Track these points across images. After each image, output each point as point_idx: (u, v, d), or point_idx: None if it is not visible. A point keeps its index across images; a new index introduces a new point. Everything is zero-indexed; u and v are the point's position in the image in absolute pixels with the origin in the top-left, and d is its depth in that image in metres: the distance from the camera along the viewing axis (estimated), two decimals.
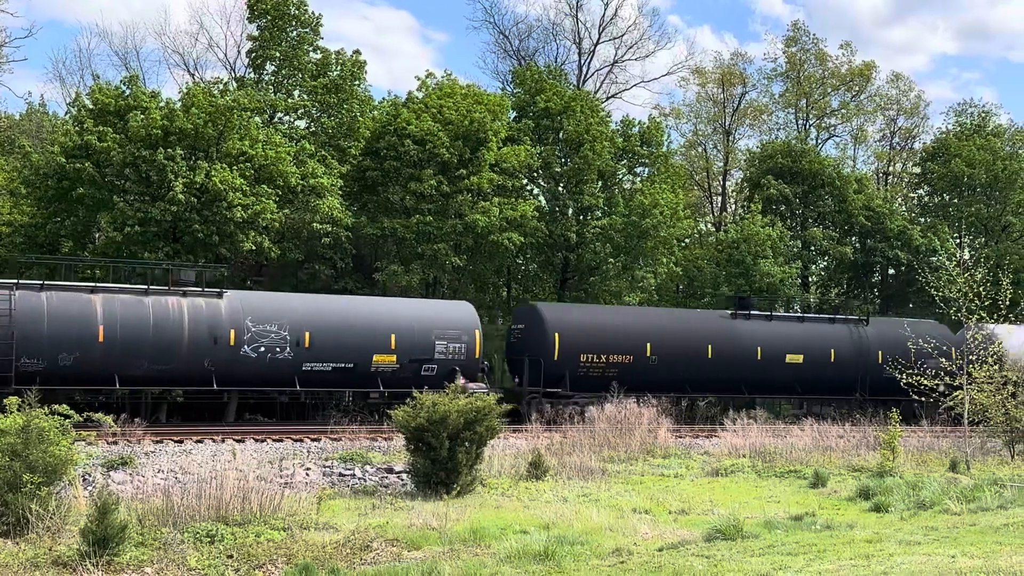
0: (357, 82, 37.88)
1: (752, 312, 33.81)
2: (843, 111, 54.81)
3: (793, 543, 11.74)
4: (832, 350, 33.92)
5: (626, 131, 41.64)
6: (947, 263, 34.82)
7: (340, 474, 19.54)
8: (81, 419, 14.62)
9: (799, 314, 37.73)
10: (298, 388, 26.98)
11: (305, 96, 37.27)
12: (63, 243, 32.01)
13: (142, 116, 30.40)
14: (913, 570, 9.54)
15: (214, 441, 22.71)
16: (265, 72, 37.93)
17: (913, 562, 9.93)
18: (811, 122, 54.47)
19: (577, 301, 39.04)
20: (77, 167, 30.15)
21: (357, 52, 38.10)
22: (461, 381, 24.11)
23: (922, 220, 49.11)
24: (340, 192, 34.24)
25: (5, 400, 14.31)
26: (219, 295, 26.32)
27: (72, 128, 31.77)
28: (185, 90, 33.04)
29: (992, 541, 11.27)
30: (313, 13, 37.60)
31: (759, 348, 32.59)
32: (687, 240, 45.94)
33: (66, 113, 35.37)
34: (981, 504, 15.39)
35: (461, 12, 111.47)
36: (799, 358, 33.23)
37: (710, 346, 31.87)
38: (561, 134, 39.46)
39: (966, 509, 15.02)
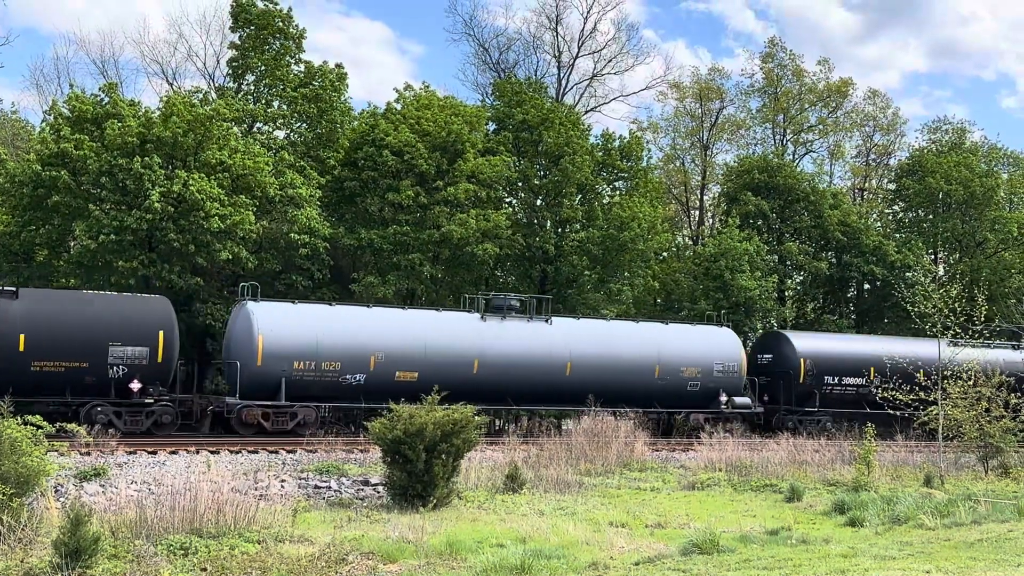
0: (337, 94, 37.81)
1: None
2: (820, 127, 55.22)
3: (769, 557, 11.76)
4: None
5: (606, 145, 41.76)
6: (923, 279, 35.14)
7: (316, 486, 19.44)
8: (54, 430, 14.47)
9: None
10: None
11: (285, 107, 37.18)
12: (38, 251, 31.76)
13: (119, 124, 30.24)
14: None
15: (188, 452, 22.56)
16: (245, 82, 37.82)
17: None
18: (788, 137, 54.82)
19: (556, 314, 39.07)
20: (53, 175, 29.93)
21: (339, 65, 38.11)
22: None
23: (897, 236, 49.46)
24: (318, 203, 34.15)
25: None
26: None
27: (48, 136, 31.55)
28: (165, 99, 32.88)
29: (966, 556, 11.33)
30: (297, 26, 37.56)
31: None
32: (665, 254, 46.07)
33: (42, 121, 35.14)
34: (955, 519, 15.47)
35: (437, 24, 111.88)
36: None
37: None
38: (540, 147, 39.52)
39: (940, 524, 15.10)
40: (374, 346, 27.86)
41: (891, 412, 31.49)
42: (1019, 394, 25.38)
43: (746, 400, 32.88)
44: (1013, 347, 36.54)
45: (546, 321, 31.27)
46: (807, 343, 34.99)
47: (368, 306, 29.76)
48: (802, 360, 33.96)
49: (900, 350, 33.02)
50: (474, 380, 28.49)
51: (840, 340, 36.98)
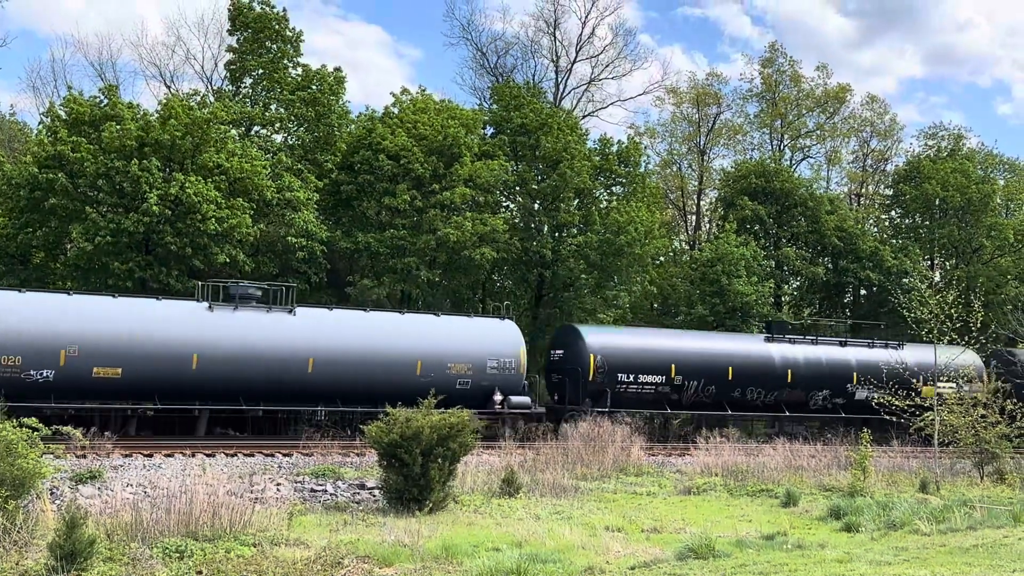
0: (335, 97, 37.84)
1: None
2: (818, 132, 55.32)
3: (764, 562, 11.76)
4: None
5: (604, 150, 41.81)
6: (919, 284, 35.19)
7: (312, 490, 19.42)
8: (50, 432, 14.46)
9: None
10: None
11: (283, 110, 37.20)
12: (35, 254, 31.74)
13: (117, 127, 30.24)
14: None
15: (184, 455, 22.54)
16: (243, 85, 37.84)
17: None
18: (786, 143, 54.91)
19: (551, 318, 39.17)
20: (50, 177, 29.94)
21: (338, 69, 38.16)
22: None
23: (894, 242, 49.53)
24: (315, 206, 34.15)
25: None
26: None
27: (45, 138, 31.55)
28: (163, 102, 32.89)
29: (962, 562, 11.33)
30: (294, 29, 37.60)
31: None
32: (662, 259, 46.11)
33: (39, 123, 35.14)
34: (951, 525, 15.48)
35: (435, 28, 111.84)
36: None
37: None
38: (538, 151, 39.55)
39: (936, 530, 15.11)
40: (67, 338, 24.62)
41: (699, 413, 32.43)
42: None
43: (525, 399, 29.89)
44: (840, 344, 35.84)
45: (288, 312, 27.90)
46: (599, 338, 32.14)
47: (68, 293, 26.70)
48: (592, 356, 31.14)
49: (706, 346, 33.57)
50: (193, 377, 25.79)
51: (640, 336, 34.06)
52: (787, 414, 34.00)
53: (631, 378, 31.73)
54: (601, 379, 31.24)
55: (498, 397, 29.46)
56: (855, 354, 35.60)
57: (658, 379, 32.06)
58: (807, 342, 35.26)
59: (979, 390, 31.97)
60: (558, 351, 32.77)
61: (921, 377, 30.71)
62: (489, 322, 31.38)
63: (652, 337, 34.15)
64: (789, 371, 33.92)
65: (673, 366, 32.20)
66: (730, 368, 33.00)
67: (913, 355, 34.69)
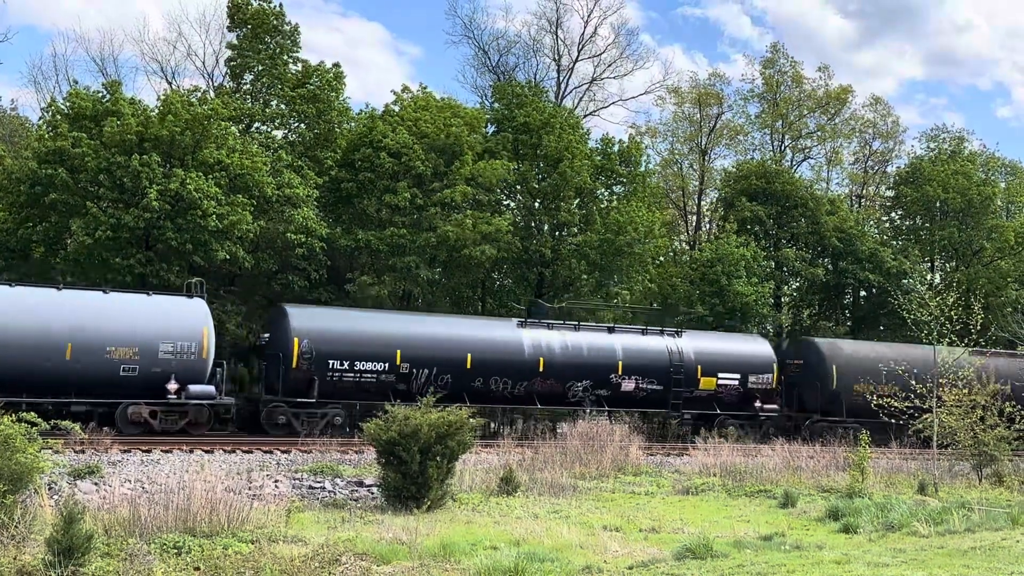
0: (335, 94, 37.82)
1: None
2: (819, 133, 55.29)
3: (763, 563, 11.76)
4: None
5: (605, 149, 41.78)
6: (919, 286, 35.14)
7: (310, 487, 19.42)
8: (48, 426, 14.45)
9: None
10: None
11: (283, 106, 37.18)
12: (35, 248, 31.74)
13: (117, 122, 30.23)
14: None
15: (182, 451, 22.54)
16: (244, 81, 37.82)
17: None
18: (787, 143, 54.88)
19: (553, 316, 39.11)
20: (50, 172, 29.92)
21: (336, 65, 38.12)
22: None
23: (895, 243, 49.53)
24: (316, 203, 34.14)
25: None
26: None
27: (46, 133, 31.53)
28: (163, 97, 32.88)
29: (960, 564, 11.33)
30: (291, 23, 37.57)
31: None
32: (661, 258, 46.10)
33: (40, 118, 35.11)
34: (949, 527, 15.48)
35: (435, 26, 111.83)
36: None
37: None
38: (539, 150, 39.52)
39: (934, 532, 15.11)
40: None
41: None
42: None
43: (208, 389, 26.22)
44: (608, 330, 32.68)
45: None
46: (307, 321, 28.30)
47: None
48: (295, 341, 27.57)
49: (440, 331, 29.97)
50: None
51: (360, 318, 29.88)
52: (539, 407, 30.83)
53: (345, 365, 28.04)
54: (307, 366, 27.64)
55: (173, 385, 25.71)
56: (623, 341, 32.29)
57: (380, 366, 28.38)
58: (568, 328, 31.87)
59: (769, 382, 32.03)
60: (265, 335, 29.48)
61: (700, 367, 30.31)
62: (167, 300, 27.20)
63: (374, 319, 29.90)
64: (541, 359, 30.53)
65: (399, 352, 28.55)
66: (469, 355, 29.53)
67: (693, 343, 33.19)
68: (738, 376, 33.25)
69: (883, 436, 29.58)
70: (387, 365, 28.42)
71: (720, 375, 32.99)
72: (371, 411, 23.80)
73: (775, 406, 33.65)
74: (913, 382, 23.97)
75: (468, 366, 29.49)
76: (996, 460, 24.42)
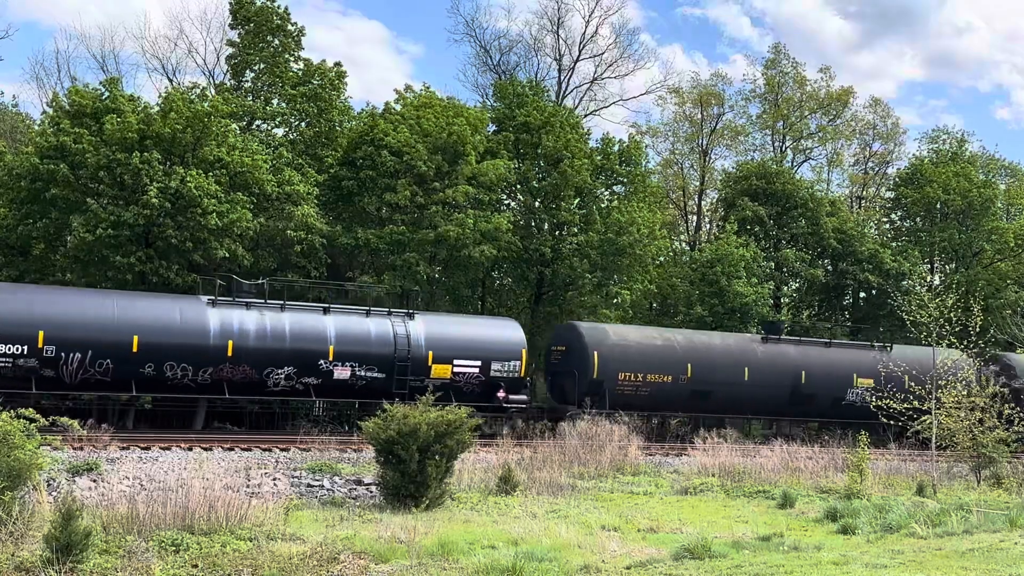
0: (336, 92, 37.81)
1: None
2: (820, 134, 55.30)
3: (761, 563, 11.76)
4: None
5: (606, 149, 41.77)
6: (918, 287, 35.12)
7: (308, 485, 19.43)
8: (47, 423, 14.45)
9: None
10: None
11: (284, 104, 37.17)
12: (35, 245, 31.72)
13: (118, 119, 30.21)
14: None
15: (181, 449, 22.53)
16: (245, 79, 37.81)
17: None
18: (788, 144, 54.89)
19: (551, 317, 39.14)
20: (51, 168, 29.89)
21: (338, 64, 38.11)
22: None
23: (895, 244, 49.53)
24: (316, 201, 34.13)
25: None
26: None
27: (47, 129, 31.51)
28: (164, 95, 32.86)
29: (957, 566, 11.33)
30: (296, 24, 37.57)
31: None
32: (662, 259, 46.09)
33: (42, 114, 35.10)
34: (947, 528, 15.47)
35: (435, 24, 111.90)
36: None
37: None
38: (540, 149, 39.52)
39: (932, 533, 15.10)
40: None
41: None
42: None
43: None
44: (322, 311, 28.67)
45: None
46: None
47: None
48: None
49: (99, 311, 25.72)
50: None
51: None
52: (228, 396, 26.98)
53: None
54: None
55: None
56: (337, 323, 28.41)
57: (16, 349, 24.38)
58: (271, 308, 27.77)
59: (516, 370, 29.99)
60: None
61: (432, 353, 28.27)
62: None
63: (9, 296, 25.52)
64: (230, 343, 26.57)
65: (41, 333, 24.56)
66: (136, 337, 25.51)
67: (426, 327, 29.57)
68: (478, 363, 29.58)
69: (647, 427, 29.26)
70: (27, 348, 24.35)
71: (456, 362, 29.35)
72: (9, 402, 18.79)
73: (523, 397, 30.39)
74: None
75: (134, 349, 25.52)
76: (995, 462, 24.44)
